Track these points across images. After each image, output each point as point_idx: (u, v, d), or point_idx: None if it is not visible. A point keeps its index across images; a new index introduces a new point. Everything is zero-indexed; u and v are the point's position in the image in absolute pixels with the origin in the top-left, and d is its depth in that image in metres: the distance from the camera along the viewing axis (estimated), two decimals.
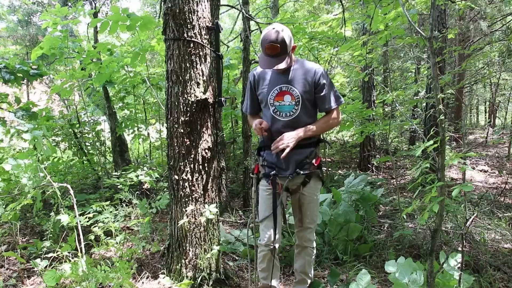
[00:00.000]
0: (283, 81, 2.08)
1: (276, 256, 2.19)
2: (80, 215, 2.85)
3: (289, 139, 2.01)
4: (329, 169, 6.89)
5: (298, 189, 2.18)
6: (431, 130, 2.46)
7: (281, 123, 2.09)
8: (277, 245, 2.16)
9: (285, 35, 1.94)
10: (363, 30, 6.58)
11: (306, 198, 2.18)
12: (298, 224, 2.28)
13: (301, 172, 2.09)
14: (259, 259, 2.20)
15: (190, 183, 2.41)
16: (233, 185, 5.69)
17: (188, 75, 2.34)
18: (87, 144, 5.35)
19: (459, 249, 2.82)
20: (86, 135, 5.30)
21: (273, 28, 1.95)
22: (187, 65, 2.34)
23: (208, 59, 2.42)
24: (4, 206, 2.97)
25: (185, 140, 2.37)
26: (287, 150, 2.00)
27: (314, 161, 2.16)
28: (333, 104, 2.13)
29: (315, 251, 2.33)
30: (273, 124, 2.11)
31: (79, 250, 2.47)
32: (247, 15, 4.09)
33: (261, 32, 5.21)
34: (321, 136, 2.34)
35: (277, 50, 1.92)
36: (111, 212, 3.18)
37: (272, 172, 2.11)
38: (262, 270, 2.21)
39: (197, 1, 2.32)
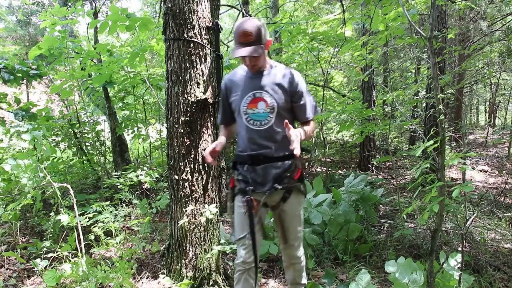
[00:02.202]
0: (257, 86, 1.90)
1: (253, 275, 2.00)
2: (80, 215, 2.85)
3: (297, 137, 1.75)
4: (329, 169, 6.89)
5: (278, 205, 1.99)
6: (431, 130, 2.47)
7: (255, 133, 1.90)
8: (254, 264, 1.98)
9: (259, 24, 1.81)
10: (363, 30, 6.59)
11: (287, 214, 2.00)
12: (281, 241, 2.11)
13: (279, 187, 1.91)
14: (235, 280, 2.01)
15: (190, 183, 2.41)
16: None
17: (188, 75, 2.34)
18: (87, 144, 5.35)
19: (459, 249, 2.82)
20: (86, 135, 5.30)
21: (248, 18, 1.85)
22: (187, 65, 2.34)
23: (208, 59, 2.42)
24: (4, 206, 2.97)
25: (185, 140, 2.37)
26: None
27: (294, 174, 1.97)
28: (311, 115, 1.99)
29: (304, 263, 2.16)
30: (247, 134, 1.92)
31: (79, 250, 2.47)
32: (247, 15, 4.09)
33: None
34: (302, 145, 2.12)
35: (250, 37, 1.77)
36: (111, 212, 3.18)
37: (248, 188, 1.91)
38: None
39: (197, 1, 2.33)
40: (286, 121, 1.73)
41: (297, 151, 1.69)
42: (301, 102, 1.94)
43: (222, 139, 1.99)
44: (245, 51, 1.77)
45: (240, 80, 1.97)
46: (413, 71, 9.57)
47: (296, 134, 1.73)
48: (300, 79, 1.94)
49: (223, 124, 2.11)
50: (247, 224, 1.92)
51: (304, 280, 2.24)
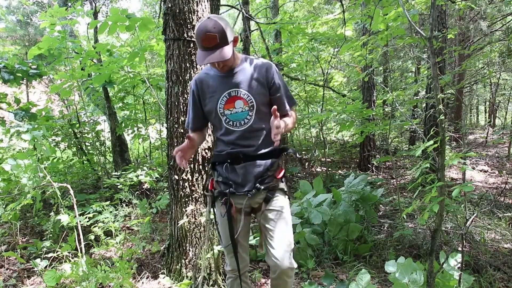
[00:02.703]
0: (231, 85, 1.77)
1: (246, 280, 1.97)
2: (80, 215, 2.85)
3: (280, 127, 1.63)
4: (329, 169, 6.89)
5: (261, 207, 1.84)
6: (431, 130, 2.47)
7: (236, 134, 1.78)
8: (245, 270, 1.95)
9: (222, 22, 1.64)
10: (363, 30, 6.59)
11: (271, 215, 1.80)
12: (267, 250, 1.83)
13: (261, 187, 1.77)
14: (227, 285, 1.97)
15: (190, 183, 2.41)
16: None
17: (188, 75, 2.34)
18: (87, 144, 5.35)
19: (459, 249, 2.82)
20: (86, 135, 5.31)
21: (208, 18, 1.65)
22: (187, 65, 2.34)
23: None
24: (4, 206, 2.97)
25: (185, 140, 2.37)
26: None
27: (276, 173, 1.84)
28: (290, 105, 1.87)
29: (292, 278, 1.88)
30: (227, 135, 1.80)
31: (79, 250, 2.47)
32: (247, 15, 4.09)
33: (261, 32, 5.22)
34: (284, 144, 1.96)
35: (215, 40, 1.60)
36: (111, 212, 3.18)
37: (228, 190, 1.79)
38: None
39: (197, 1, 2.33)
40: (275, 107, 1.58)
41: (277, 142, 1.59)
42: (278, 94, 1.82)
43: (193, 139, 1.75)
44: (213, 57, 1.61)
45: (211, 81, 1.82)
46: (413, 71, 9.57)
47: (281, 125, 1.58)
48: (274, 69, 1.81)
49: (193, 130, 1.91)
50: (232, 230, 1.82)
51: None
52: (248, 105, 1.76)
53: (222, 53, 1.61)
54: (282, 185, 1.87)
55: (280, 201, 1.84)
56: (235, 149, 1.79)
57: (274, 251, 1.76)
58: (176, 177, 2.41)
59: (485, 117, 20.81)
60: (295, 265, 1.81)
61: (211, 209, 1.95)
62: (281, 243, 1.78)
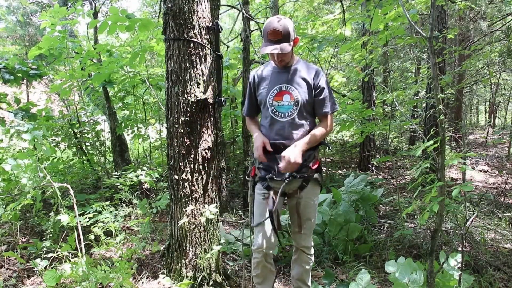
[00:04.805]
0: (283, 80, 2.06)
1: (270, 261, 2.14)
2: (80, 215, 2.85)
3: (295, 158, 1.92)
4: (329, 169, 6.89)
5: (295, 193, 2.12)
6: (431, 130, 2.47)
7: (279, 124, 2.04)
8: (271, 251, 2.11)
9: (288, 23, 1.94)
10: (363, 30, 6.59)
11: (303, 202, 2.11)
12: (294, 229, 2.20)
13: (298, 175, 2.03)
14: (253, 265, 2.14)
15: (190, 183, 2.40)
16: (233, 185, 5.70)
17: (188, 75, 2.34)
18: (87, 144, 5.35)
19: (459, 249, 2.82)
20: (86, 135, 5.30)
21: (277, 16, 1.98)
22: (187, 65, 2.34)
23: (208, 59, 2.42)
24: (4, 206, 2.97)
25: (185, 140, 2.37)
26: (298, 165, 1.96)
27: (312, 164, 2.10)
28: (329, 110, 2.08)
29: (312, 258, 2.26)
30: (272, 125, 2.07)
31: (79, 250, 2.47)
32: (247, 15, 4.09)
33: (261, 32, 5.22)
34: None
35: (279, 35, 1.91)
36: (111, 212, 3.18)
37: (268, 176, 2.06)
38: (257, 276, 2.15)
39: (197, 1, 2.32)
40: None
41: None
42: (321, 97, 2.06)
43: (259, 132, 2.12)
44: (274, 48, 1.90)
45: (268, 75, 2.12)
46: (413, 71, 9.56)
47: (290, 161, 1.92)
48: (322, 74, 2.07)
49: (249, 116, 2.27)
50: (265, 211, 2.05)
51: (309, 282, 2.27)
52: (294, 100, 2.03)
53: (282, 47, 1.91)
54: (317, 176, 2.12)
55: (312, 191, 2.12)
56: (277, 140, 2.04)
57: (297, 234, 2.16)
58: (176, 177, 2.41)
59: (485, 117, 20.80)
60: (312, 244, 2.22)
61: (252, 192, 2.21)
62: (307, 227, 2.14)
